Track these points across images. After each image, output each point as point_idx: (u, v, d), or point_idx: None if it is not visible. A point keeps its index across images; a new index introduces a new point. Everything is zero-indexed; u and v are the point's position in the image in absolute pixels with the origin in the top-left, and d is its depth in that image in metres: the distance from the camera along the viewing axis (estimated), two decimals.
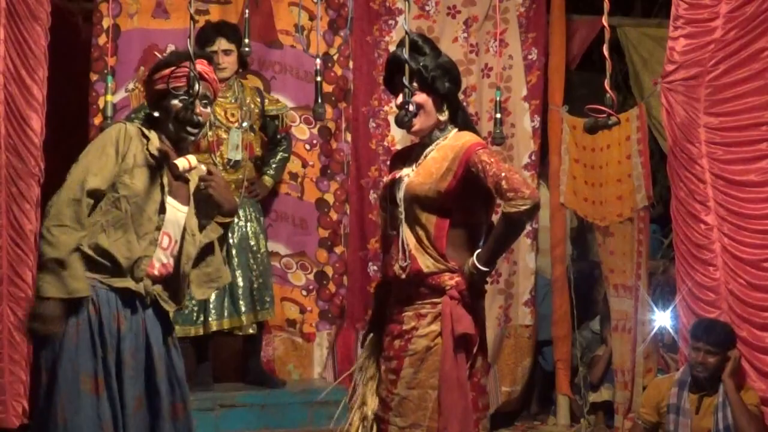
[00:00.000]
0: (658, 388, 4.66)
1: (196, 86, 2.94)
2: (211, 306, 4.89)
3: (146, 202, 3.09)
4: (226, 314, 4.93)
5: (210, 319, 4.90)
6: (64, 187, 3.03)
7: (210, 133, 4.93)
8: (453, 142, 3.21)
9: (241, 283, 4.96)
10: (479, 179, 3.11)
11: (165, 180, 3.14)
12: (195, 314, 4.91)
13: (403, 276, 3.17)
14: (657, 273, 6.27)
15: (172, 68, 3.14)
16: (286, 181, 5.54)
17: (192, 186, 3.26)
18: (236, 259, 4.96)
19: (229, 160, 4.97)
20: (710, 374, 4.39)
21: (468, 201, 3.19)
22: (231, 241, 4.96)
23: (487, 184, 3.09)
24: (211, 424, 4.73)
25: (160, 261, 3.16)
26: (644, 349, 5.50)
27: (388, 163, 3.49)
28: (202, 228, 3.27)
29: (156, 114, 3.19)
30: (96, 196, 3.04)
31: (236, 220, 4.98)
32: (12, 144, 4.65)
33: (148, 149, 3.12)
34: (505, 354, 5.97)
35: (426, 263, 3.15)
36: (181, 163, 3.16)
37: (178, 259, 3.20)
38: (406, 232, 3.17)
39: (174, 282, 3.22)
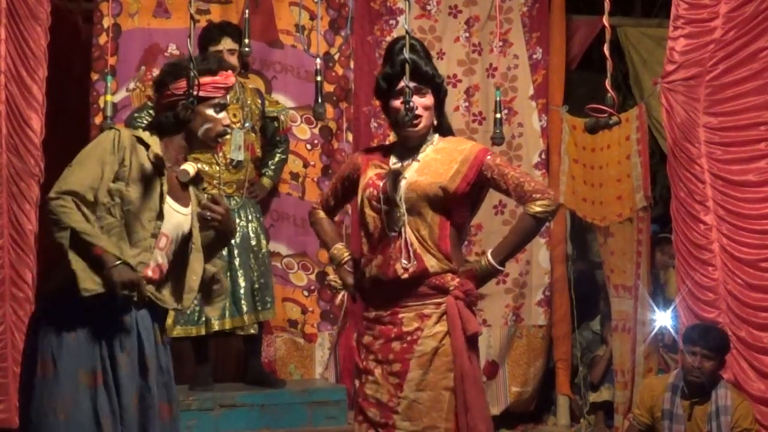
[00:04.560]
0: (652, 389, 4.63)
1: (195, 87, 2.97)
2: None
3: (142, 211, 3.07)
4: (227, 314, 4.93)
5: (212, 319, 4.90)
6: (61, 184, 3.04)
7: None
8: (454, 145, 3.23)
9: (242, 284, 4.96)
10: (491, 182, 3.16)
11: (164, 187, 3.13)
12: (196, 314, 4.91)
13: (406, 276, 3.13)
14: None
15: (210, 76, 3.16)
16: (288, 181, 5.55)
17: (191, 192, 3.27)
18: (237, 259, 4.96)
19: (232, 160, 4.98)
20: (706, 379, 4.37)
21: (466, 204, 3.22)
22: (232, 241, 4.95)
23: (504, 187, 3.15)
24: (211, 424, 4.74)
25: (156, 261, 3.15)
26: (644, 349, 5.50)
27: (358, 160, 3.36)
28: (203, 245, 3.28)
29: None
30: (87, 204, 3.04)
31: (238, 220, 5.00)
32: (12, 144, 4.65)
33: (148, 156, 3.11)
34: (517, 354, 5.98)
35: (431, 263, 3.13)
36: (189, 169, 3.18)
37: (176, 262, 3.20)
38: (408, 233, 3.15)
39: (173, 282, 3.22)
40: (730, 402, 4.36)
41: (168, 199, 3.14)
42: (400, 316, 3.16)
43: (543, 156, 6.02)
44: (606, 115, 3.07)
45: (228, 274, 4.95)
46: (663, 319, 5.40)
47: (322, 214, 3.50)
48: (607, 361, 6.00)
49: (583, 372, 6.19)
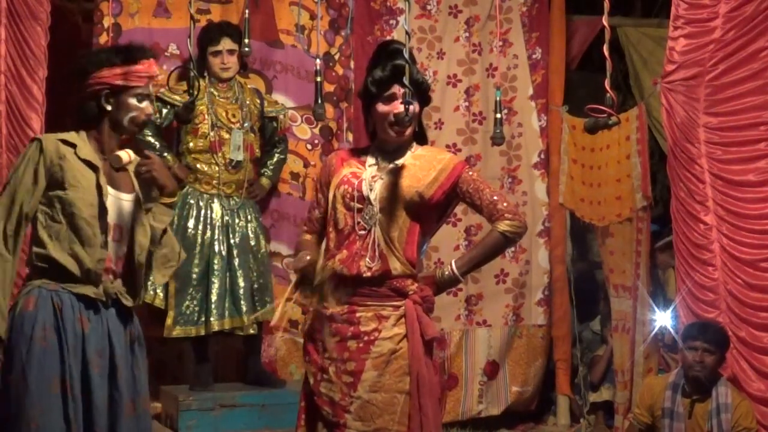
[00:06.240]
0: (652, 389, 4.64)
1: (197, 86, 2.97)
2: (213, 306, 4.90)
3: (83, 209, 3.10)
4: (227, 314, 4.94)
5: (212, 319, 4.90)
6: None
7: (212, 134, 4.96)
8: (433, 154, 3.25)
9: (242, 284, 4.96)
10: (464, 196, 3.20)
11: (102, 180, 3.14)
12: (196, 314, 4.92)
13: (369, 274, 3.12)
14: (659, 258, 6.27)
15: (131, 66, 3.15)
16: (288, 181, 5.55)
17: (132, 173, 3.28)
18: (237, 260, 4.97)
19: (231, 160, 4.99)
20: (707, 374, 4.38)
21: (435, 214, 3.24)
22: (232, 241, 4.97)
23: (478, 203, 3.18)
24: (211, 424, 4.74)
25: (117, 254, 3.19)
26: (644, 349, 5.50)
27: (332, 161, 3.37)
28: (147, 212, 3.27)
29: (108, 107, 3.17)
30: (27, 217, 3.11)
31: (237, 220, 5.01)
32: (12, 144, 4.65)
33: (77, 155, 3.13)
34: (517, 354, 5.99)
35: (394, 265, 3.13)
36: (123, 155, 3.18)
37: (130, 250, 3.21)
38: (377, 233, 3.15)
39: (129, 275, 3.23)
40: (731, 400, 4.37)
41: (110, 190, 3.16)
42: (358, 315, 3.14)
43: (542, 156, 6.04)
44: (605, 115, 3.07)
45: (227, 274, 4.96)
46: (663, 318, 5.40)
47: (307, 236, 3.39)
48: (607, 361, 6.00)
49: (583, 372, 6.19)
